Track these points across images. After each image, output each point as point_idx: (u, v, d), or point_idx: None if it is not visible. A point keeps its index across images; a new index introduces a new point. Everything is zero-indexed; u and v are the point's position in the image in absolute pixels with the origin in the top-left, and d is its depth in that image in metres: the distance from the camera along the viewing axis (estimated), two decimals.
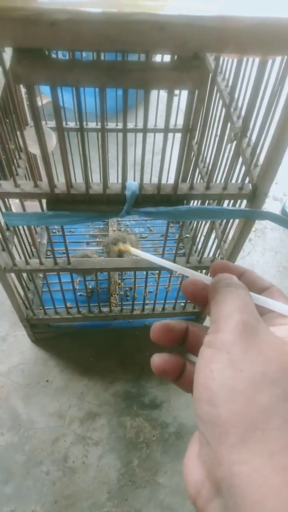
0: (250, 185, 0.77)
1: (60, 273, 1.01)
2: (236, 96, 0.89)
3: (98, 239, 1.43)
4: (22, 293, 1.11)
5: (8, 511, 1.06)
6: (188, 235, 1.46)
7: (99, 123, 1.25)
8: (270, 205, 1.85)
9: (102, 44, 0.50)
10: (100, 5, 0.48)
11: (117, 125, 1.27)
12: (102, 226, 1.48)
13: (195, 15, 0.48)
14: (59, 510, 1.08)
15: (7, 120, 0.99)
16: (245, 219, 0.81)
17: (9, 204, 0.97)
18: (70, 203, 0.74)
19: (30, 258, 0.97)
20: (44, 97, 1.71)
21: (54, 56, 0.55)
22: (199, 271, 1.27)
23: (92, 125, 1.26)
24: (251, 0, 0.53)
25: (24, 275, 1.18)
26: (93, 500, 1.10)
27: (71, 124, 1.25)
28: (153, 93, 1.31)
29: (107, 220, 1.48)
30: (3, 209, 0.87)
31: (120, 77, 0.53)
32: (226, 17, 0.48)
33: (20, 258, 0.97)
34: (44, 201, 0.76)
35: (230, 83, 0.94)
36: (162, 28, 0.48)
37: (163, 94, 1.64)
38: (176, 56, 0.53)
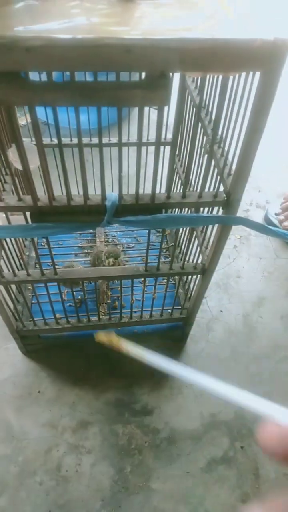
0: (224, 193, 0.81)
1: (48, 284, 1.04)
2: (210, 109, 0.94)
3: (86, 251, 1.46)
4: (11, 305, 1.14)
5: None
6: (173, 244, 1.50)
7: (93, 139, 1.30)
8: (254, 213, 1.90)
9: (74, 67, 0.55)
10: (71, 32, 0.52)
11: (110, 139, 1.32)
12: (90, 238, 1.51)
13: (158, 38, 0.53)
14: None
15: None
16: (221, 225, 0.85)
17: None
18: (53, 215, 0.78)
19: (18, 270, 1.00)
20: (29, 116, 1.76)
21: (36, 78, 0.59)
22: (183, 277, 1.31)
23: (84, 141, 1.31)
24: (211, 23, 0.58)
25: (14, 288, 1.21)
26: (87, 508, 1.11)
27: (65, 140, 1.29)
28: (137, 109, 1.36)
29: (94, 231, 1.51)
30: None
31: (92, 96, 0.57)
32: (186, 39, 0.53)
33: (8, 270, 1.00)
34: (28, 214, 0.80)
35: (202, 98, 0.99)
36: (129, 50, 0.53)
37: (147, 110, 1.70)
38: (144, 76, 0.58)
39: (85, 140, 1.31)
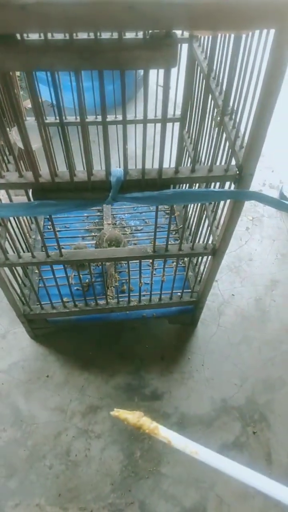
0: (236, 166, 0.77)
1: (55, 268, 1.01)
2: (220, 79, 0.89)
3: (93, 234, 1.43)
4: (18, 289, 1.12)
5: (13, 505, 1.07)
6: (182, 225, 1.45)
7: (98, 117, 1.26)
8: (267, 193, 1.83)
9: (73, 26, 0.50)
10: None
11: (116, 117, 1.28)
12: (97, 221, 1.48)
13: None
14: (63, 503, 1.08)
15: None
16: (233, 201, 0.81)
17: (0, 200, 0.98)
18: (56, 192, 0.74)
19: (23, 252, 0.98)
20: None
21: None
22: (191, 258, 1.26)
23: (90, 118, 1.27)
24: None
25: (20, 272, 1.19)
26: (97, 492, 1.10)
27: (70, 119, 1.26)
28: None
29: (101, 214, 1.48)
30: None
31: (93, 59, 0.53)
32: None
33: (13, 252, 0.97)
34: (31, 192, 0.77)
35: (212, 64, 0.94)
36: (131, 7, 0.48)
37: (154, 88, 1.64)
38: (148, 35, 0.53)
39: (91, 118, 1.27)
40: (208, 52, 0.94)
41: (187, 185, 0.81)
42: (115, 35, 0.53)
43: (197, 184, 0.97)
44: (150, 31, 0.52)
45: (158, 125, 1.24)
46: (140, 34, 0.62)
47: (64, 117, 1.21)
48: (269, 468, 1.15)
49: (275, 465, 1.16)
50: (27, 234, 1.03)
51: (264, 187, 1.87)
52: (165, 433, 0.39)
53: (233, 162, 0.78)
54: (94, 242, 1.39)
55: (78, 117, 1.25)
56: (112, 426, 1.20)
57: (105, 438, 1.18)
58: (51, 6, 0.48)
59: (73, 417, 1.21)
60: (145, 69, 0.55)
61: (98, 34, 0.53)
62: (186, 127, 1.23)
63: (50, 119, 1.28)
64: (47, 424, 1.20)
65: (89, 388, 1.27)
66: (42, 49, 0.52)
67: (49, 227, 1.44)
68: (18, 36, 0.52)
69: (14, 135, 1.09)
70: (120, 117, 1.28)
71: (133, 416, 0.41)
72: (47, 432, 1.18)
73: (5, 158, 1.05)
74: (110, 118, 1.28)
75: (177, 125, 1.31)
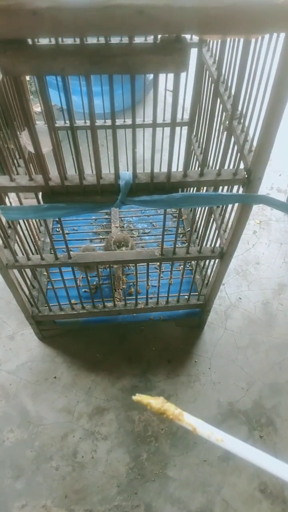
0: (244, 170, 0.77)
1: (63, 270, 1.02)
2: (229, 84, 0.90)
3: (101, 236, 1.44)
4: (26, 291, 1.13)
5: (19, 506, 1.07)
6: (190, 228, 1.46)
7: (107, 121, 1.27)
8: (274, 196, 1.83)
9: (84, 31, 0.51)
10: None
11: (125, 121, 1.29)
12: (105, 224, 1.49)
13: None
14: (69, 505, 1.08)
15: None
16: (242, 205, 0.81)
17: (10, 203, 0.99)
18: (65, 195, 0.75)
19: (32, 255, 0.98)
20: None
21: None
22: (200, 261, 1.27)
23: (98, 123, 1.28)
24: None
25: (29, 273, 1.20)
26: (103, 494, 1.10)
27: (79, 123, 1.27)
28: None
29: (109, 217, 1.49)
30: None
31: (103, 63, 0.53)
32: None
33: (23, 254, 0.98)
34: (41, 195, 0.77)
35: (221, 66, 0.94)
36: (142, 11, 0.49)
37: (162, 92, 1.65)
38: (159, 40, 0.54)
39: (100, 122, 1.28)
40: (217, 57, 0.94)
41: (195, 188, 0.81)
42: (125, 40, 0.54)
43: (205, 188, 0.97)
44: (160, 36, 0.53)
45: (166, 129, 1.26)
46: (150, 39, 0.62)
47: (74, 121, 1.23)
48: None
49: None
50: (36, 237, 1.04)
51: (272, 191, 1.87)
52: (190, 420, 0.38)
53: (241, 166, 0.78)
54: (102, 244, 1.40)
55: (87, 121, 1.27)
56: (118, 428, 1.20)
57: (111, 440, 1.18)
58: (62, 11, 0.48)
59: (80, 419, 1.22)
60: (155, 73, 0.55)
61: (108, 38, 0.53)
62: (194, 131, 1.23)
63: (59, 123, 1.29)
64: (54, 425, 1.20)
65: (96, 390, 1.27)
66: (53, 53, 0.53)
67: (58, 229, 1.45)
68: (29, 40, 0.53)
69: (24, 138, 1.11)
70: (128, 121, 1.29)
71: (156, 402, 0.40)
72: (54, 433, 1.19)
73: (15, 161, 1.07)
74: (118, 122, 1.29)
75: (185, 129, 1.31)
